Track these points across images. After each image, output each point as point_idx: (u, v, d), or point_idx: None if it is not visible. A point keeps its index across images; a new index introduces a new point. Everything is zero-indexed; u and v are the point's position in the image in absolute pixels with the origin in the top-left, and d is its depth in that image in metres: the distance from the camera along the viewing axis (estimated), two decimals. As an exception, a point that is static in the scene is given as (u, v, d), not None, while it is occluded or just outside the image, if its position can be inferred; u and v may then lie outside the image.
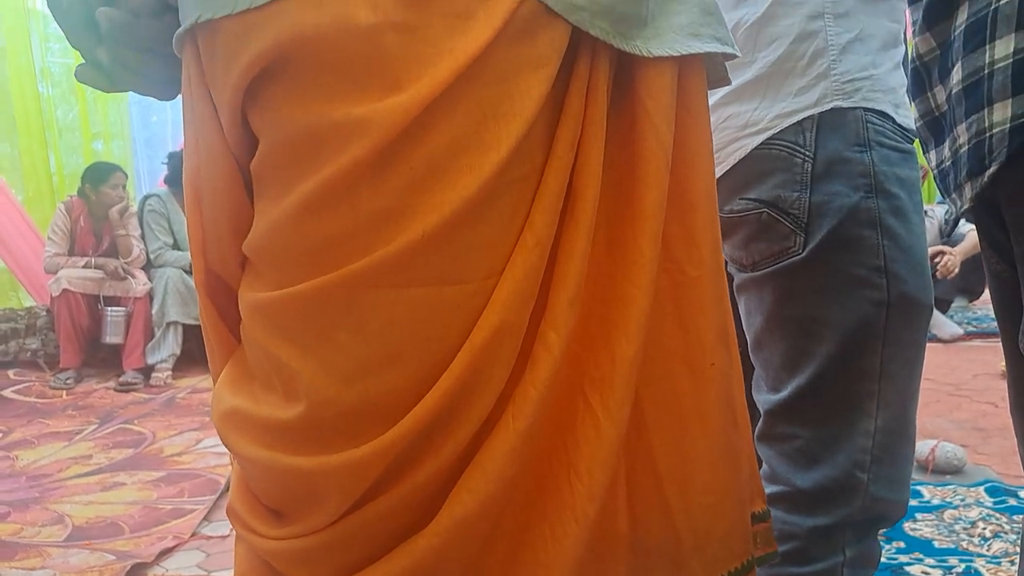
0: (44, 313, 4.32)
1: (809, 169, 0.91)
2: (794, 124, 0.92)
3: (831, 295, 0.92)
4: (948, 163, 0.63)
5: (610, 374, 0.57)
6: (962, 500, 2.03)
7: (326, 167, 0.52)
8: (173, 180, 4.45)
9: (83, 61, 0.63)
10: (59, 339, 4.11)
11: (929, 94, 0.67)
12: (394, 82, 0.50)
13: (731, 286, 1.04)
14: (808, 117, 0.91)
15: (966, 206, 0.61)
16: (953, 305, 4.88)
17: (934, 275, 3.90)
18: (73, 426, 3.33)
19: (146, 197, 4.45)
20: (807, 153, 0.91)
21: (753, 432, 1.03)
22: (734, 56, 0.63)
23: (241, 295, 0.61)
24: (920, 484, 2.15)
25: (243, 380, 0.62)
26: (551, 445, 0.58)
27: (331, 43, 0.50)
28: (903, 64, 0.96)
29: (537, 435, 0.56)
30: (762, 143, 0.93)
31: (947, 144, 0.63)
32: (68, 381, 3.99)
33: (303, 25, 0.50)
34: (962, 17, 0.60)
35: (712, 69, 0.65)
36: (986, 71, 0.57)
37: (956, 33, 0.61)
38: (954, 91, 0.61)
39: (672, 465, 0.61)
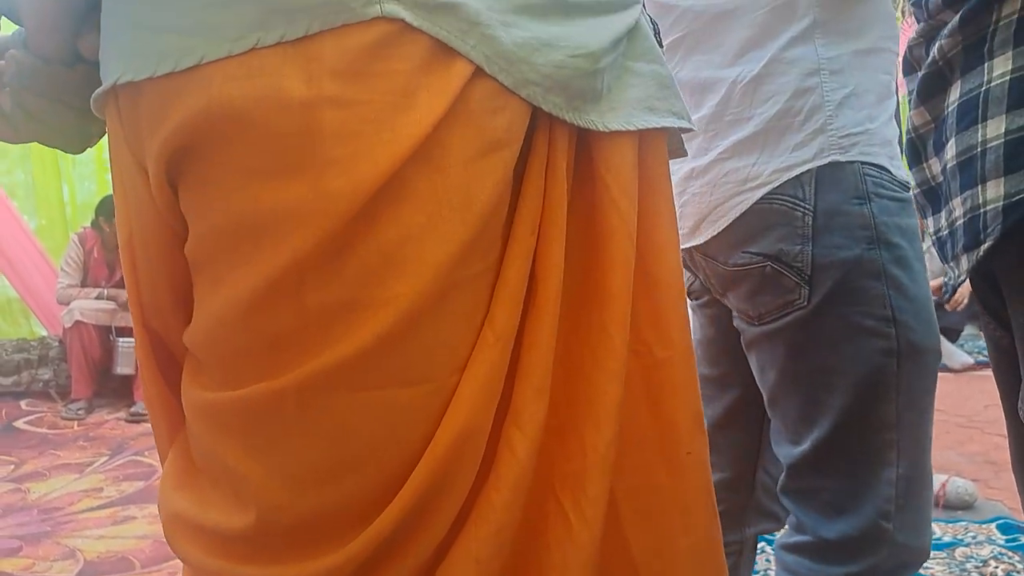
0: (56, 343, 4.35)
1: (810, 222, 0.93)
2: (793, 178, 0.94)
3: (841, 346, 0.93)
4: (945, 233, 0.65)
5: (582, 468, 0.54)
6: (974, 537, 2.02)
7: (266, 258, 0.48)
8: None
9: None
10: (71, 370, 4.13)
11: (925, 164, 0.68)
12: (332, 163, 0.46)
13: (741, 341, 1.06)
14: (807, 171, 0.93)
15: (963, 277, 0.62)
16: (963, 334, 4.86)
17: (942, 307, 3.89)
18: (84, 458, 3.35)
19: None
20: (807, 207, 0.93)
21: (776, 484, 1.07)
22: (691, 130, 0.61)
23: (185, 388, 0.57)
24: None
25: (188, 476, 0.58)
26: (520, 549, 0.54)
27: (261, 118, 0.46)
28: (896, 117, 0.98)
29: (504, 541, 0.53)
30: (762, 197, 0.95)
31: (944, 214, 0.65)
32: (79, 411, 4.02)
33: (231, 96, 0.46)
34: (955, 95, 0.62)
35: (669, 141, 0.62)
36: (979, 149, 0.59)
37: (950, 109, 0.63)
38: (949, 165, 0.63)
39: (654, 568, 0.57)
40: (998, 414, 0.71)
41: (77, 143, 0.62)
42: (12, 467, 3.24)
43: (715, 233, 1.00)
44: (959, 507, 2.24)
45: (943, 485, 2.25)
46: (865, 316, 0.92)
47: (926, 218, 0.70)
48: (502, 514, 0.52)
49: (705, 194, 1.01)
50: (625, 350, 0.55)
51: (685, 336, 0.58)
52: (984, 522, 2.12)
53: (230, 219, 0.49)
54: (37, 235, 5.07)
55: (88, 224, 4.43)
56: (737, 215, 0.97)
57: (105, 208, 4.27)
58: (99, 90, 0.52)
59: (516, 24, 0.49)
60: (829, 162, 0.92)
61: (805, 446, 0.98)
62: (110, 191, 4.77)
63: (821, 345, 0.94)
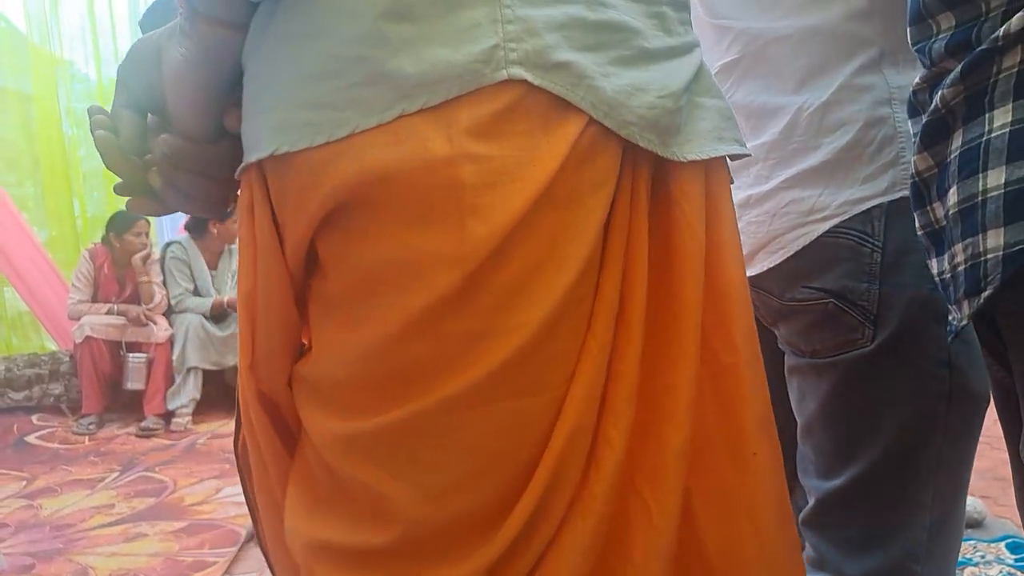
0: (67, 359, 4.39)
1: (879, 260, 0.89)
2: (862, 212, 0.90)
3: (894, 387, 0.90)
4: (948, 276, 0.66)
5: (660, 465, 0.59)
6: (983, 557, 2.02)
7: (410, 297, 0.53)
8: (193, 227, 4.54)
9: (119, 182, 0.64)
10: (82, 385, 4.17)
11: (929, 208, 0.70)
12: (472, 211, 0.52)
13: (784, 363, 1.02)
14: (877, 206, 0.90)
15: (965, 321, 0.64)
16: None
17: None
18: (96, 473, 3.37)
19: (168, 244, 4.54)
20: (876, 243, 0.90)
21: (797, 515, 1.02)
22: (747, 155, 0.66)
23: (311, 423, 0.61)
24: (939, 539, 2.14)
25: (320, 503, 0.62)
26: (607, 538, 0.59)
27: (410, 176, 0.51)
28: None
29: (602, 531, 0.58)
30: (828, 230, 0.91)
31: (947, 258, 0.66)
32: (90, 426, 4.05)
33: (383, 159, 0.51)
34: (957, 142, 0.64)
35: None
36: (980, 198, 0.60)
37: (952, 156, 0.64)
38: (951, 211, 0.64)
39: (727, 568, 0.61)
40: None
41: (219, 210, 0.66)
42: (24, 483, 3.27)
43: (772, 264, 0.96)
44: (969, 525, 2.24)
45: (951, 503, 2.25)
46: (923, 358, 0.89)
47: (930, 259, 0.71)
48: (602, 506, 0.57)
49: (763, 223, 0.97)
50: (697, 357, 0.60)
51: (751, 343, 0.63)
52: (993, 541, 2.12)
53: (378, 264, 0.54)
54: (47, 247, 5.13)
55: (98, 239, 4.47)
56: (799, 247, 0.93)
57: (116, 224, 4.31)
58: (248, 161, 0.57)
59: (613, 74, 0.55)
60: (901, 196, 0.88)
61: (839, 481, 0.95)
62: (121, 207, 4.82)
63: (873, 383, 0.91)
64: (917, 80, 0.70)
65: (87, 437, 3.97)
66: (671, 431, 0.59)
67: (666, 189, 0.60)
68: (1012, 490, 0.72)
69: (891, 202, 0.89)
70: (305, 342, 0.64)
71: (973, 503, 2.27)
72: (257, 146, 0.56)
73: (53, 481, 3.28)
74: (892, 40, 0.91)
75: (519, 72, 0.52)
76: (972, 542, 2.13)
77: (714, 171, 0.63)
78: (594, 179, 0.55)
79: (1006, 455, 0.73)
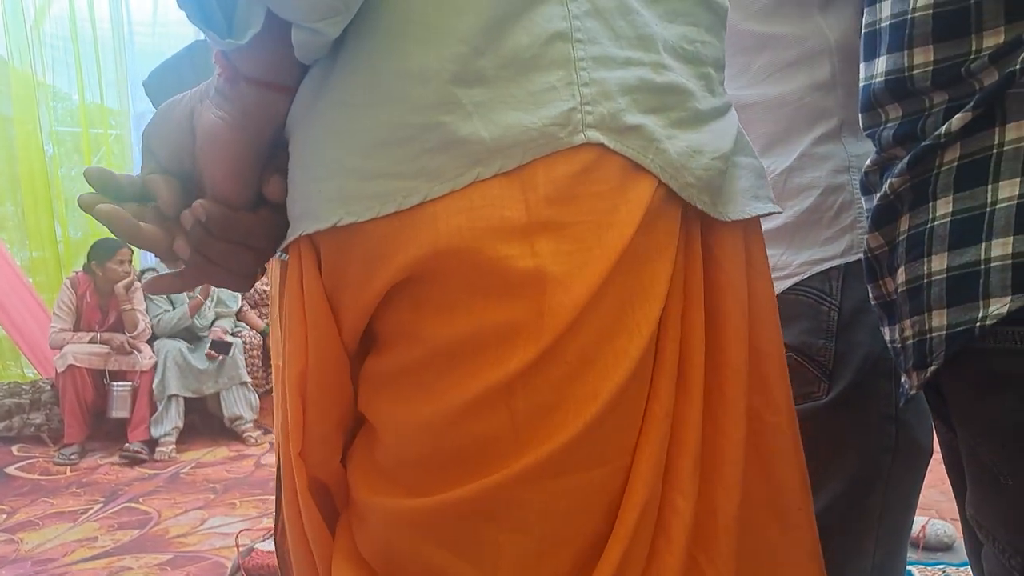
0: (48, 387, 4.37)
1: (835, 318, 0.94)
2: (821, 272, 0.95)
3: (844, 439, 0.94)
4: (899, 346, 0.72)
5: (713, 530, 0.58)
6: (952, 581, 2.08)
7: (484, 373, 0.51)
8: None
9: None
10: (64, 414, 4.15)
11: (881, 281, 0.75)
12: (552, 281, 0.50)
13: None
14: (835, 267, 0.94)
15: (913, 391, 0.69)
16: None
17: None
18: (78, 505, 3.36)
19: (143, 271, 4.53)
20: (833, 302, 0.94)
21: None
22: (779, 212, 0.67)
23: (369, 501, 0.58)
24: (910, 564, 2.20)
25: None
26: None
27: (486, 245, 0.49)
28: None
29: None
30: (789, 288, 0.96)
31: (897, 329, 0.72)
32: (72, 456, 4.02)
33: (458, 228, 0.49)
34: (905, 226, 0.69)
35: None
36: (925, 280, 0.66)
37: (900, 238, 0.70)
38: (900, 289, 0.70)
39: None
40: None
41: (248, 282, 0.62)
42: (4, 516, 3.25)
43: None
44: (939, 548, 2.30)
45: (923, 528, 2.31)
46: (873, 413, 0.93)
47: (883, 327, 0.77)
48: (676, 573, 0.56)
49: None
50: (745, 419, 0.59)
51: (790, 401, 0.64)
52: (962, 564, 2.18)
53: (450, 337, 0.52)
54: (29, 269, 5.08)
55: (80, 263, 4.46)
56: None
57: (98, 252, 4.30)
58: (301, 232, 0.54)
59: (675, 136, 0.55)
60: (857, 259, 0.93)
61: None
62: (104, 234, 4.82)
63: (826, 436, 0.95)
64: (868, 163, 0.76)
65: (69, 468, 3.94)
66: (723, 496, 0.58)
67: (708, 249, 0.60)
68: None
69: (848, 264, 0.94)
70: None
71: (943, 526, 2.33)
72: (312, 216, 0.53)
73: (34, 514, 3.27)
74: (852, 111, 0.95)
75: (596, 135, 0.51)
76: (942, 566, 2.19)
77: (752, 230, 0.64)
78: (659, 242, 0.54)
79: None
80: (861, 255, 0.90)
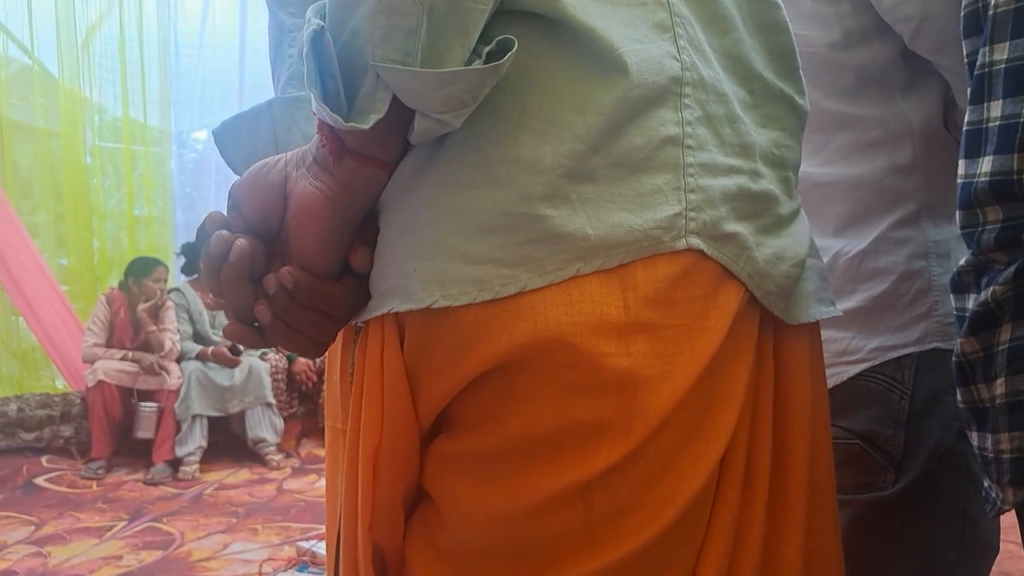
0: (79, 400, 4.40)
1: (906, 407, 0.92)
2: (893, 359, 0.93)
3: (910, 532, 0.92)
4: (991, 455, 0.71)
5: None
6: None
7: (566, 469, 0.51)
8: (189, 270, 4.63)
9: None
10: (92, 429, 4.19)
11: (973, 387, 0.74)
12: (645, 382, 0.50)
13: None
14: (908, 355, 0.92)
15: (1008, 507, 0.68)
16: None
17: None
18: (104, 521, 3.38)
19: (169, 291, 4.56)
20: (905, 391, 0.92)
21: None
22: (839, 315, 0.67)
23: None
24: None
25: None
26: None
27: (582, 340, 0.49)
28: None
29: None
30: (859, 373, 0.94)
31: (990, 439, 0.71)
32: (99, 471, 4.06)
33: (557, 321, 0.49)
34: (1006, 336, 0.68)
35: None
36: None
37: (1000, 348, 0.69)
38: (998, 401, 0.69)
39: None
40: (1011, 519, 0.74)
41: (323, 349, 0.61)
42: (33, 528, 3.28)
43: None
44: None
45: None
46: (939, 507, 0.91)
47: (969, 431, 0.76)
48: None
49: None
50: (805, 525, 0.59)
51: (835, 505, 0.64)
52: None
53: (534, 429, 0.51)
54: (64, 277, 5.15)
55: (114, 274, 4.51)
56: (829, 386, 0.92)
57: (135, 270, 4.37)
58: (389, 309, 0.54)
59: (763, 243, 0.56)
60: (932, 348, 0.92)
61: None
62: (140, 252, 4.89)
63: (891, 527, 0.93)
64: (962, 263, 0.75)
65: (95, 482, 3.97)
66: None
67: (778, 352, 0.60)
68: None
69: (921, 352, 0.93)
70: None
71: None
72: (404, 294, 0.52)
73: (61, 528, 3.29)
74: (931, 195, 0.96)
75: (697, 242, 0.52)
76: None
77: (815, 332, 0.64)
78: (739, 347, 0.55)
79: (1012, 547, 0.74)
80: (935, 344, 0.92)
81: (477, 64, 0.48)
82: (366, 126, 0.49)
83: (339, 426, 0.62)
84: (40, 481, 3.94)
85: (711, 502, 0.55)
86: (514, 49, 0.48)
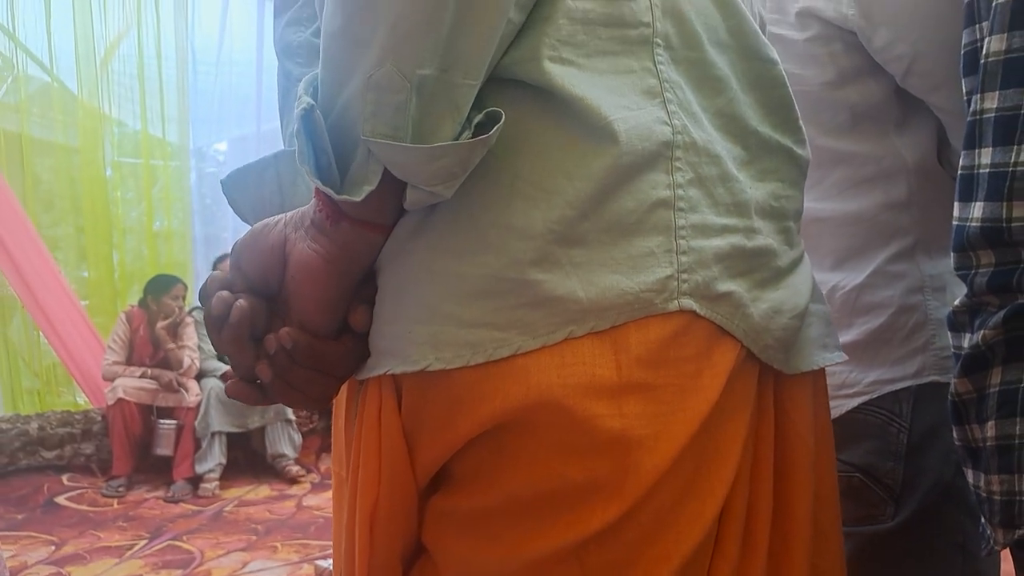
0: (100, 418, 4.45)
1: (905, 440, 0.92)
2: (891, 393, 0.93)
3: (908, 565, 0.92)
4: (983, 495, 0.70)
5: None
6: None
7: (561, 529, 0.51)
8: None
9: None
10: (112, 446, 4.23)
11: (967, 427, 0.74)
12: (639, 443, 0.50)
13: None
14: (906, 388, 0.92)
15: (999, 548, 0.68)
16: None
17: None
18: (124, 540, 3.41)
19: (191, 310, 4.60)
20: (903, 424, 0.92)
21: None
22: (843, 359, 0.67)
23: None
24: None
25: None
26: None
27: (575, 402, 0.50)
28: None
29: None
30: (857, 406, 0.94)
31: (982, 479, 0.70)
32: (119, 489, 4.10)
33: (549, 384, 0.50)
34: (996, 379, 0.68)
35: None
36: (1016, 441, 0.65)
37: (991, 391, 0.68)
38: (988, 443, 0.68)
39: None
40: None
41: (323, 405, 0.62)
42: (53, 548, 3.32)
43: None
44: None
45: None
46: (939, 539, 0.91)
47: (965, 468, 0.75)
48: None
49: None
50: (808, 573, 0.59)
51: (842, 549, 0.64)
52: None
53: (529, 488, 0.52)
54: (85, 291, 5.20)
55: (133, 289, 4.56)
56: None
57: (154, 287, 4.42)
58: (386, 370, 0.54)
59: (758, 298, 0.56)
60: (929, 382, 0.92)
61: None
62: (160, 264, 4.94)
63: (889, 560, 0.93)
64: (957, 303, 0.75)
65: (116, 500, 4.01)
66: None
67: (779, 402, 0.60)
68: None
69: (919, 385, 0.93)
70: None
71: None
72: (400, 356, 0.53)
73: (82, 547, 3.33)
74: (927, 230, 0.96)
75: (689, 303, 0.52)
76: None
77: (819, 378, 0.64)
78: (736, 403, 0.55)
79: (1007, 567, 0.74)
80: (933, 377, 0.92)
81: (466, 135, 0.49)
82: (359, 198, 0.50)
83: (343, 473, 0.63)
84: (61, 500, 3.98)
85: (709, 559, 0.55)
86: (502, 121, 0.49)
